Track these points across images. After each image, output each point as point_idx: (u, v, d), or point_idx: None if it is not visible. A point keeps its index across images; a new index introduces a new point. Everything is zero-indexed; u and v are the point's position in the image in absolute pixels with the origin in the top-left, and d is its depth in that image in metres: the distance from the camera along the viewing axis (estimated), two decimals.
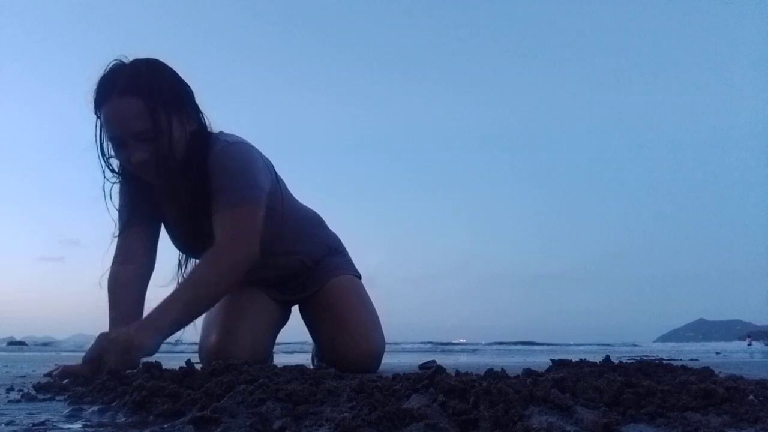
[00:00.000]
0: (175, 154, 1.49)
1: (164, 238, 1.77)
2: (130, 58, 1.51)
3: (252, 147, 1.61)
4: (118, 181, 1.66)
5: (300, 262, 1.83)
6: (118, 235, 1.66)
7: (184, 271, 1.76)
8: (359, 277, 1.95)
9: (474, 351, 8.95)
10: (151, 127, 1.44)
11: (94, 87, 1.49)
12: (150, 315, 1.40)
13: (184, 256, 1.78)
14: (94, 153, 1.58)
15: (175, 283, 1.72)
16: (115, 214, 1.68)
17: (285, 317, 1.93)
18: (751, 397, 0.89)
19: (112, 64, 1.50)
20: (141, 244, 1.66)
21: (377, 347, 1.76)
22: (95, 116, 1.52)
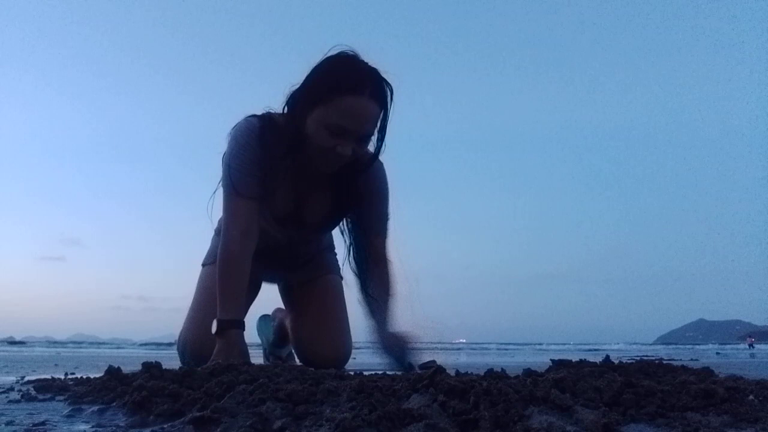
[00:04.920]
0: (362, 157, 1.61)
1: None
2: (357, 53, 1.52)
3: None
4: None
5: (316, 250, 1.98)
6: (237, 199, 1.57)
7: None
8: (342, 278, 2.03)
9: (474, 351, 8.95)
10: (373, 133, 1.55)
11: (339, 69, 1.48)
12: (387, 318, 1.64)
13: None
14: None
15: None
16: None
17: (256, 295, 1.98)
18: (751, 397, 0.89)
19: (353, 57, 1.50)
20: (257, 219, 1.61)
21: (349, 352, 1.91)
22: (317, 89, 1.48)
